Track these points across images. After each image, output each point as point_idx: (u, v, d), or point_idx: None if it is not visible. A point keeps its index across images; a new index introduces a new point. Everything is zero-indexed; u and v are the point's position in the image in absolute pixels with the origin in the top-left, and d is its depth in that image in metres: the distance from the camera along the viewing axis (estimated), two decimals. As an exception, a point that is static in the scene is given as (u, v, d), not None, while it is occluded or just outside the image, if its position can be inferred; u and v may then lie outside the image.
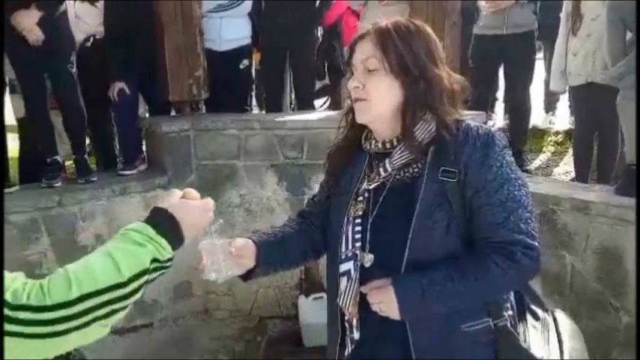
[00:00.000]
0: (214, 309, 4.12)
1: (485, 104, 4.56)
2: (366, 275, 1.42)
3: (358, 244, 1.44)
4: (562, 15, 4.07)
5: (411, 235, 1.36)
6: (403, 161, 1.43)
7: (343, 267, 1.45)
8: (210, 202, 1.34)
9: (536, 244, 1.37)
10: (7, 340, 0.98)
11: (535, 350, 1.45)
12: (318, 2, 4.59)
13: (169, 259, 1.17)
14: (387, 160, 1.45)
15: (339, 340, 1.52)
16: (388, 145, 1.46)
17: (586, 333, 2.69)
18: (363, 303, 1.43)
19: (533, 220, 1.40)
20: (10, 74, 3.83)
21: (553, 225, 3.03)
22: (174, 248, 1.19)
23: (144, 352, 3.68)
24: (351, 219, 1.46)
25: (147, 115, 4.66)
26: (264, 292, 4.11)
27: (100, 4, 4.10)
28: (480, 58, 4.52)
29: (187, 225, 1.24)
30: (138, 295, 1.10)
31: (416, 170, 1.42)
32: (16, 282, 1.03)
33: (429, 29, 1.45)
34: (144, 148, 4.35)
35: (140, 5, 4.02)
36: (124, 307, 1.08)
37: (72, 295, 1.02)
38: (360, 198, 1.47)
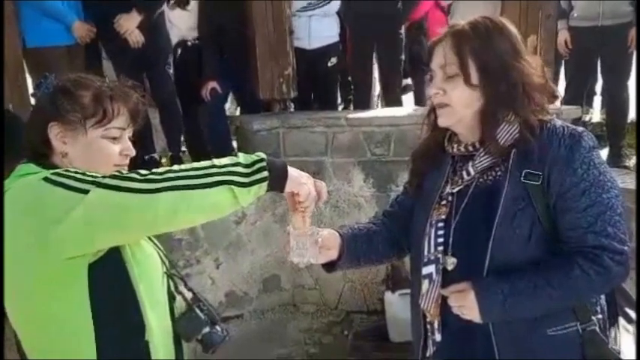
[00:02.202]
0: (302, 302, 4.11)
1: (580, 98, 4.28)
2: (448, 278, 1.38)
3: (440, 248, 1.40)
4: None
5: (493, 239, 1.31)
6: (486, 164, 1.37)
7: (425, 270, 1.41)
8: (322, 184, 1.40)
9: (626, 248, 1.29)
10: (112, 195, 1.15)
11: (627, 354, 1.39)
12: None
13: (255, 162, 1.25)
14: (470, 163, 1.40)
15: (421, 340, 1.49)
16: (471, 148, 1.41)
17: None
18: (445, 305, 1.40)
19: (623, 223, 1.30)
20: (112, 75, 3.94)
21: None
22: (272, 188, 1.27)
23: (234, 342, 3.69)
24: (434, 222, 1.42)
25: (237, 113, 4.68)
26: (351, 287, 4.05)
27: (191, 7, 4.14)
28: (575, 51, 4.23)
29: (293, 179, 1.31)
30: (221, 177, 1.20)
31: (499, 173, 1.36)
32: None
33: (509, 25, 1.38)
34: (234, 145, 4.37)
35: (232, 5, 4.03)
36: (203, 185, 1.19)
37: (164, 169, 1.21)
38: (444, 201, 1.43)
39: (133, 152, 1.38)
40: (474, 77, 1.33)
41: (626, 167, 4.07)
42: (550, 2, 3.99)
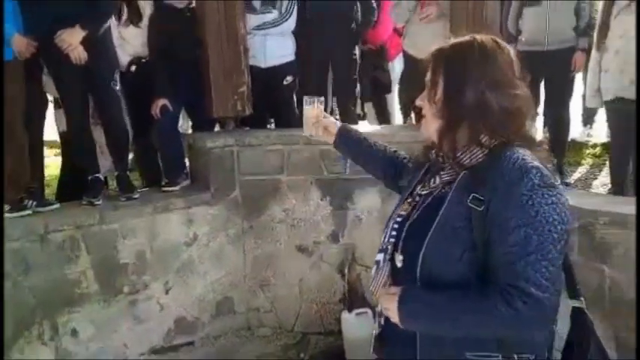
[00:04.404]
0: (257, 326, 3.63)
1: None
2: (397, 274, 1.35)
3: (392, 240, 1.37)
4: (594, 33, 3.66)
5: (424, 251, 1.26)
6: (447, 178, 1.32)
7: (377, 256, 1.40)
8: None
9: (543, 295, 1.15)
10: None
11: None
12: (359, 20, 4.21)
13: None
14: (440, 173, 1.35)
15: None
16: (441, 160, 1.36)
17: (626, 347, 2.48)
18: None
19: (552, 269, 1.17)
20: (53, 92, 3.44)
21: (592, 238, 2.66)
22: None
23: (185, 372, 3.24)
24: (395, 216, 1.40)
25: (190, 131, 4.26)
26: (307, 308, 3.63)
27: (144, 24, 3.71)
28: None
29: None
30: None
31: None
32: None
33: (493, 47, 1.28)
34: (187, 163, 3.90)
35: (184, 22, 3.63)
36: None
37: None
38: (410, 199, 1.41)
39: None
40: (438, 96, 1.29)
41: (566, 184, 4.00)
42: (494, 27, 3.79)
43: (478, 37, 1.30)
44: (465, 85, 1.25)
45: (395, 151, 1.77)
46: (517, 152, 1.24)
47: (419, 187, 1.40)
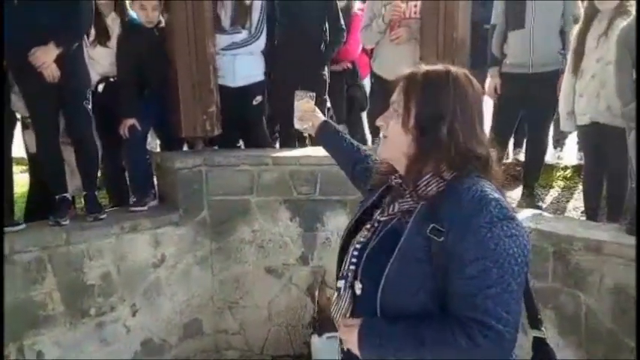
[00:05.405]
0: (225, 348, 3.80)
1: (507, 142, 4.36)
2: (358, 301, 1.38)
3: (352, 267, 1.39)
4: (568, 56, 3.82)
5: (384, 282, 1.29)
6: (405, 207, 1.35)
7: (339, 283, 1.43)
8: None
9: (503, 328, 1.19)
10: None
11: None
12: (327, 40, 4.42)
13: None
14: (399, 200, 1.38)
15: None
16: (401, 188, 1.40)
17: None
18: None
19: (512, 302, 1.22)
20: (22, 111, 3.57)
21: (566, 264, 2.79)
22: None
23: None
24: (355, 242, 1.42)
25: (158, 149, 4.42)
26: (276, 331, 3.80)
27: (112, 44, 3.88)
28: (505, 98, 4.20)
29: None
30: None
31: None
32: None
33: (464, 81, 1.34)
34: (155, 183, 4.07)
35: (153, 42, 3.81)
36: None
37: None
38: (368, 226, 1.42)
39: None
40: (412, 123, 1.33)
41: (539, 207, 4.07)
42: (464, 50, 4.01)
43: (452, 69, 1.35)
44: (442, 118, 1.30)
45: (367, 156, 1.86)
46: (477, 184, 1.28)
47: (377, 213, 1.42)
